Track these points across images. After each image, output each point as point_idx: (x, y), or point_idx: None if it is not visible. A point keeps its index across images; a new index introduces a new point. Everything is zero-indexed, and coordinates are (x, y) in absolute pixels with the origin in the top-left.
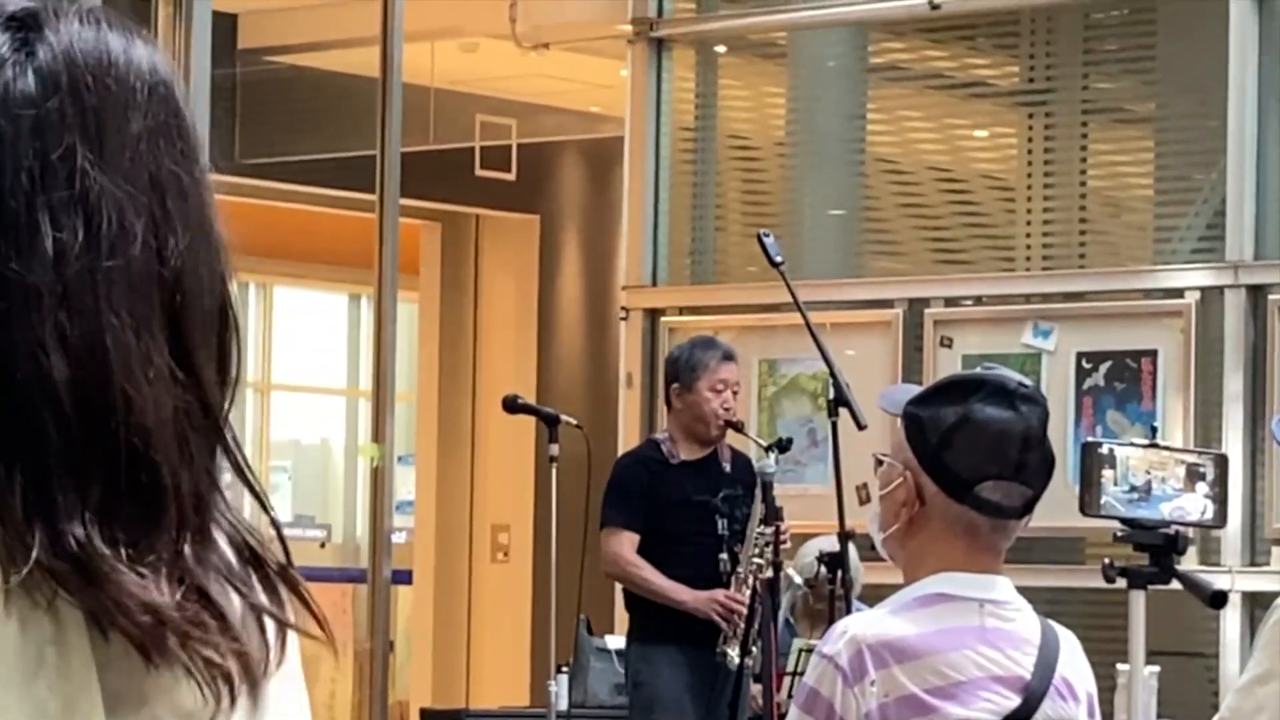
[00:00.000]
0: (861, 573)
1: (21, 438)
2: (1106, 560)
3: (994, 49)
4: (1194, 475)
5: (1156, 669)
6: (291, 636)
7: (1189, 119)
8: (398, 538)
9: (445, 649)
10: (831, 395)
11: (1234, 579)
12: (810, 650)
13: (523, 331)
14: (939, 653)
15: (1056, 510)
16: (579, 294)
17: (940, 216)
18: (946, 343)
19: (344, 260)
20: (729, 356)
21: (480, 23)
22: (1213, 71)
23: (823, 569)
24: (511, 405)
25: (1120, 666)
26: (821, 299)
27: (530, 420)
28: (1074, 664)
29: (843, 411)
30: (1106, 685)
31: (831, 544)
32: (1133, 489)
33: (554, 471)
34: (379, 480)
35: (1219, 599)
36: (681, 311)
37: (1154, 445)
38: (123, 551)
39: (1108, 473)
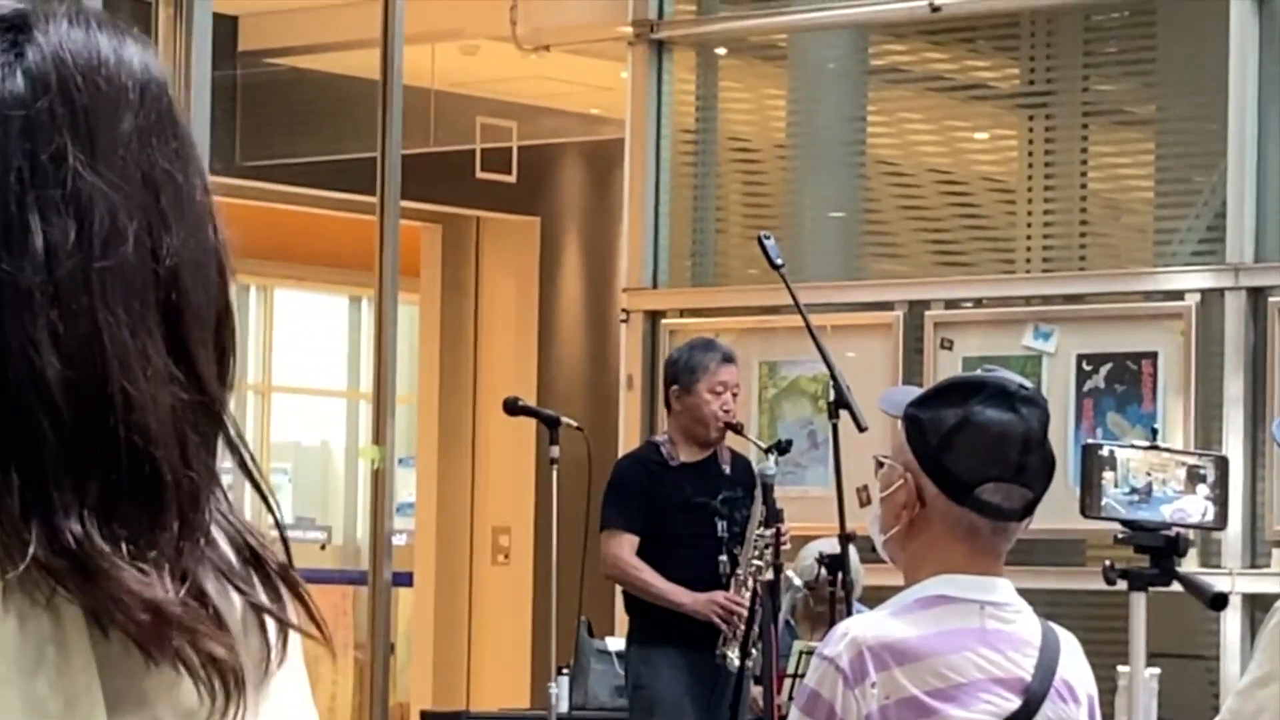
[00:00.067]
0: (862, 575)
1: (17, 437)
2: (1107, 562)
3: (994, 51)
4: (1194, 477)
5: (1157, 671)
6: (293, 636)
7: (1189, 121)
8: (398, 540)
9: (446, 651)
10: (832, 397)
11: (1234, 581)
12: (811, 652)
13: (523, 334)
14: (939, 655)
15: (1057, 512)
16: (579, 296)
17: (940, 218)
18: (947, 345)
19: (345, 262)
20: (728, 359)
21: (481, 25)
22: (1213, 73)
23: (823, 571)
24: (512, 407)
25: (1121, 668)
26: (822, 301)
27: (531, 422)
28: (1074, 666)
29: (843, 413)
30: (1107, 687)
31: (832, 546)
32: (1133, 491)
33: (554, 473)
34: (379, 482)
35: (1219, 601)
36: (682, 314)
37: (1154, 447)
38: (123, 548)
39: (1108, 475)
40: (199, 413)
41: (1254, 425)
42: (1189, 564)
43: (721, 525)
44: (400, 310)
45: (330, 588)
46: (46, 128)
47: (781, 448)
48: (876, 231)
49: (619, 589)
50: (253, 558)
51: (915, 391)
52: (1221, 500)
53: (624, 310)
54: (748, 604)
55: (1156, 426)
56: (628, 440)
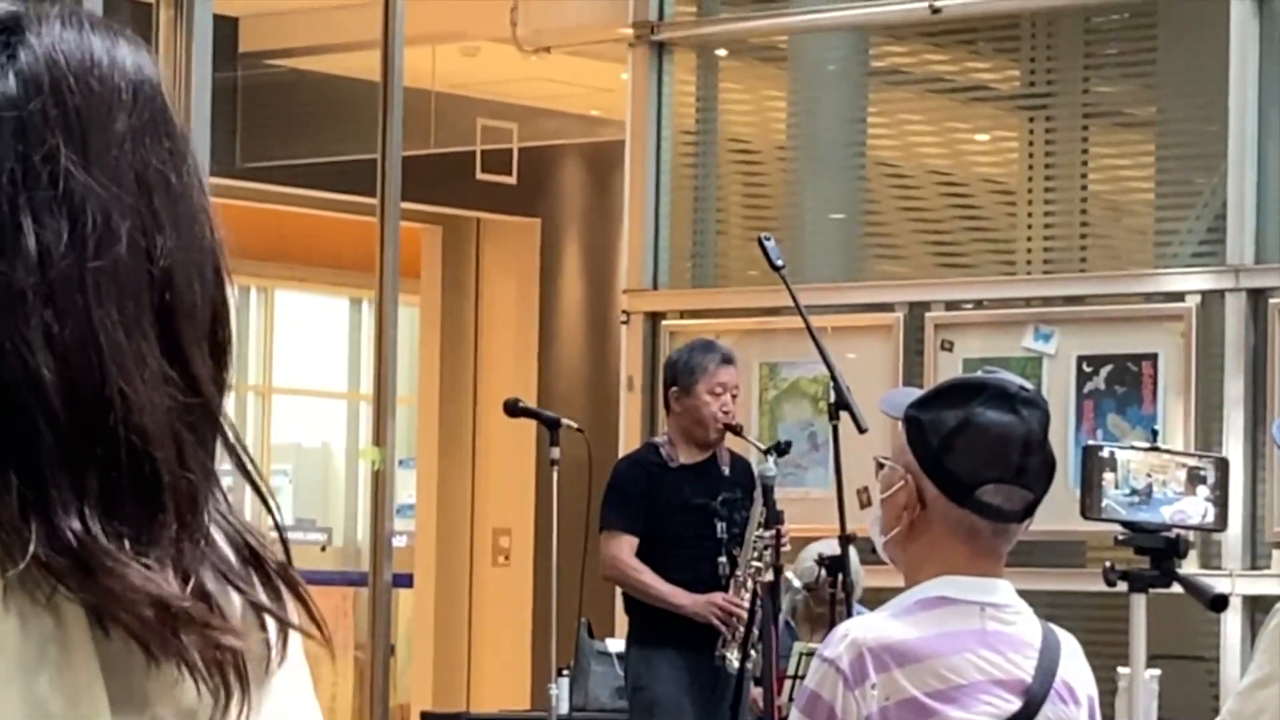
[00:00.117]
0: (862, 576)
1: (14, 437)
2: (1107, 564)
3: (995, 53)
4: (1195, 479)
5: (1157, 672)
6: (294, 635)
7: (1190, 122)
8: (399, 541)
9: (446, 652)
10: (832, 399)
11: (1235, 582)
12: (811, 654)
13: (524, 335)
14: (940, 656)
15: (1057, 514)
16: (580, 297)
17: (941, 220)
18: (947, 346)
19: (345, 264)
20: (728, 360)
21: (481, 26)
22: (1213, 75)
23: (823, 572)
24: (512, 409)
25: (1121, 670)
26: (822, 302)
27: (531, 424)
28: (1075, 667)
29: (843, 415)
30: (1107, 689)
31: (832, 548)
32: (1133, 492)
33: (555, 475)
34: (380, 484)
35: (1220, 602)
36: (682, 315)
37: (1155, 449)
38: (126, 545)
39: (1108, 476)
40: (195, 413)
41: (1254, 427)
42: (1189, 565)
43: (721, 526)
44: (401, 312)
45: (331, 589)
46: (39, 129)
47: (780, 449)
48: (877, 233)
49: (619, 590)
50: (252, 557)
51: (916, 393)
52: (1222, 502)
53: (624, 311)
54: (747, 605)
55: (1157, 428)
56: (628, 442)
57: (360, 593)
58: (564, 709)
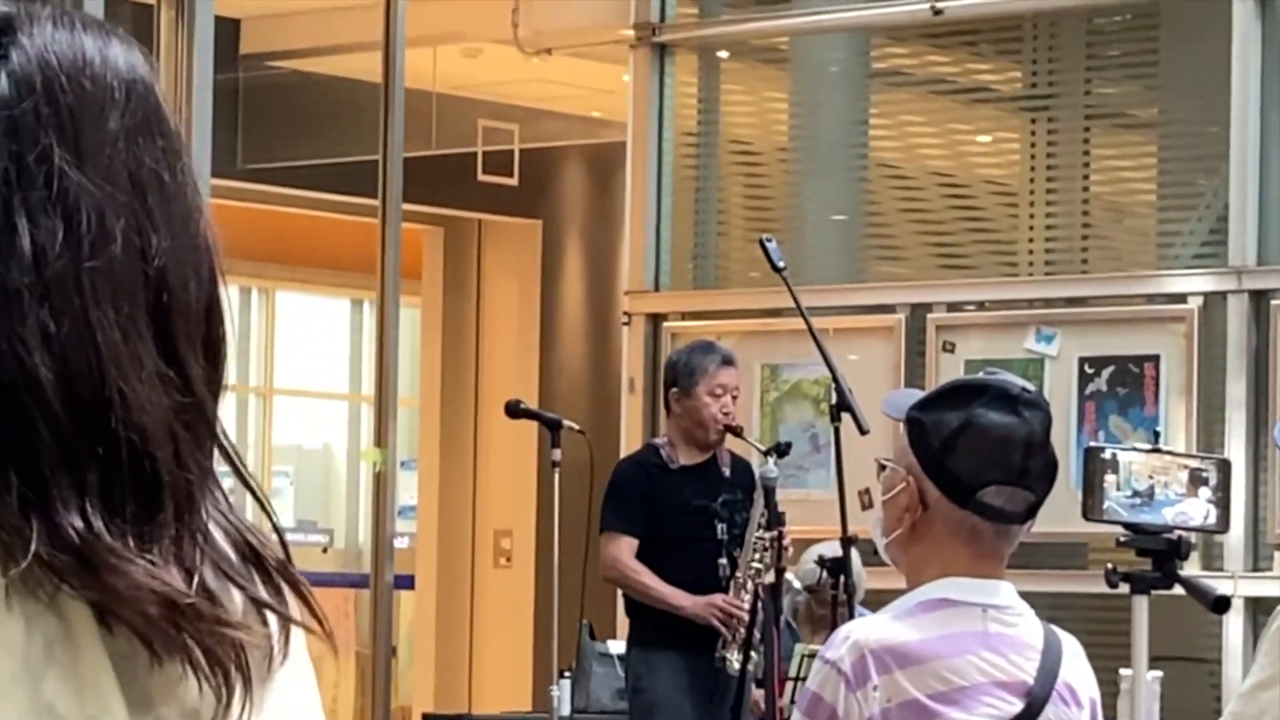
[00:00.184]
0: (864, 578)
1: (13, 436)
2: (1109, 565)
3: (996, 54)
4: (1197, 480)
5: (1159, 674)
6: (296, 632)
7: (1192, 124)
8: (400, 543)
9: (447, 654)
10: (834, 400)
11: (1237, 584)
12: (813, 655)
13: (525, 336)
14: (942, 658)
15: (1059, 515)
16: (581, 299)
17: (943, 221)
18: (949, 348)
19: (346, 265)
20: (728, 361)
21: (483, 28)
22: (1215, 76)
23: (825, 574)
24: (514, 410)
25: (1123, 672)
26: (824, 304)
27: (532, 425)
28: (1077, 669)
29: (845, 416)
30: (1109, 690)
31: (833, 549)
32: (1135, 494)
33: (556, 476)
34: (381, 485)
35: (1222, 604)
36: (684, 316)
37: (1157, 450)
38: (130, 542)
39: (1110, 478)
40: (190, 412)
41: (1256, 428)
42: (1191, 567)
43: (721, 528)
44: (402, 313)
45: (332, 591)
46: (32, 128)
47: (780, 450)
48: (878, 234)
49: (620, 592)
50: (252, 555)
51: (917, 394)
52: (1224, 503)
53: (626, 313)
54: (747, 606)
55: (1159, 429)
56: (629, 443)
57: (362, 594)
58: (565, 711)
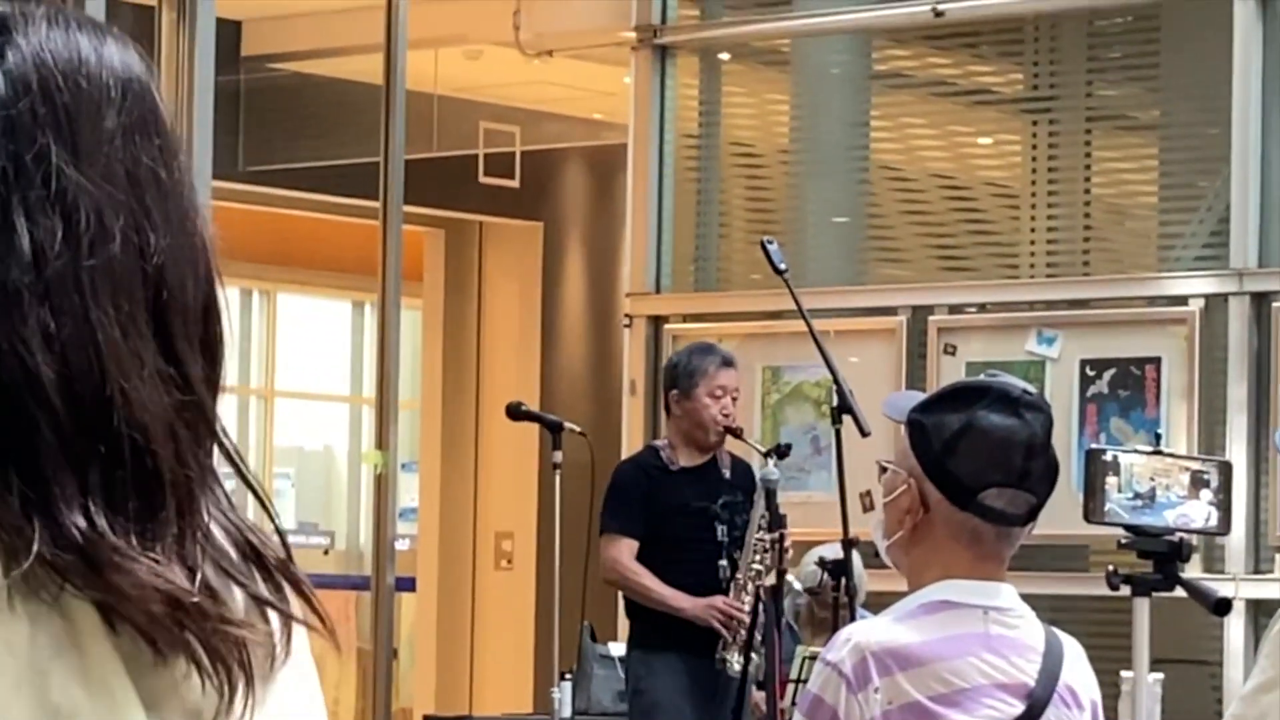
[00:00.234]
0: (865, 580)
1: (14, 436)
2: (1110, 567)
3: (998, 56)
4: (1198, 482)
5: (1161, 676)
6: (298, 631)
7: (1193, 126)
8: (401, 545)
9: (449, 656)
10: (835, 402)
11: (1238, 586)
12: (814, 657)
13: (526, 338)
14: (943, 660)
15: (1060, 517)
16: (582, 301)
17: (944, 224)
18: (950, 350)
19: (348, 267)
20: (728, 362)
21: (484, 30)
22: (1217, 78)
23: (826, 576)
24: (515, 412)
25: (1124, 674)
26: (825, 306)
27: (534, 427)
28: (1078, 671)
29: (846, 419)
30: (1111, 693)
31: (834, 551)
32: (1137, 496)
33: (557, 478)
34: (382, 487)
35: (1223, 606)
36: (685, 319)
37: (1158, 452)
38: (133, 541)
39: (1112, 480)
40: (190, 410)
41: (1257, 430)
42: (1192, 569)
43: (721, 530)
44: (403, 315)
45: (333, 593)
46: (28, 128)
47: (780, 451)
48: (880, 236)
49: (621, 593)
50: (252, 553)
51: (919, 396)
52: (1225, 505)
53: (627, 315)
54: (747, 608)
55: (1160, 432)
56: (631, 445)
57: (363, 596)
58: (566, 713)
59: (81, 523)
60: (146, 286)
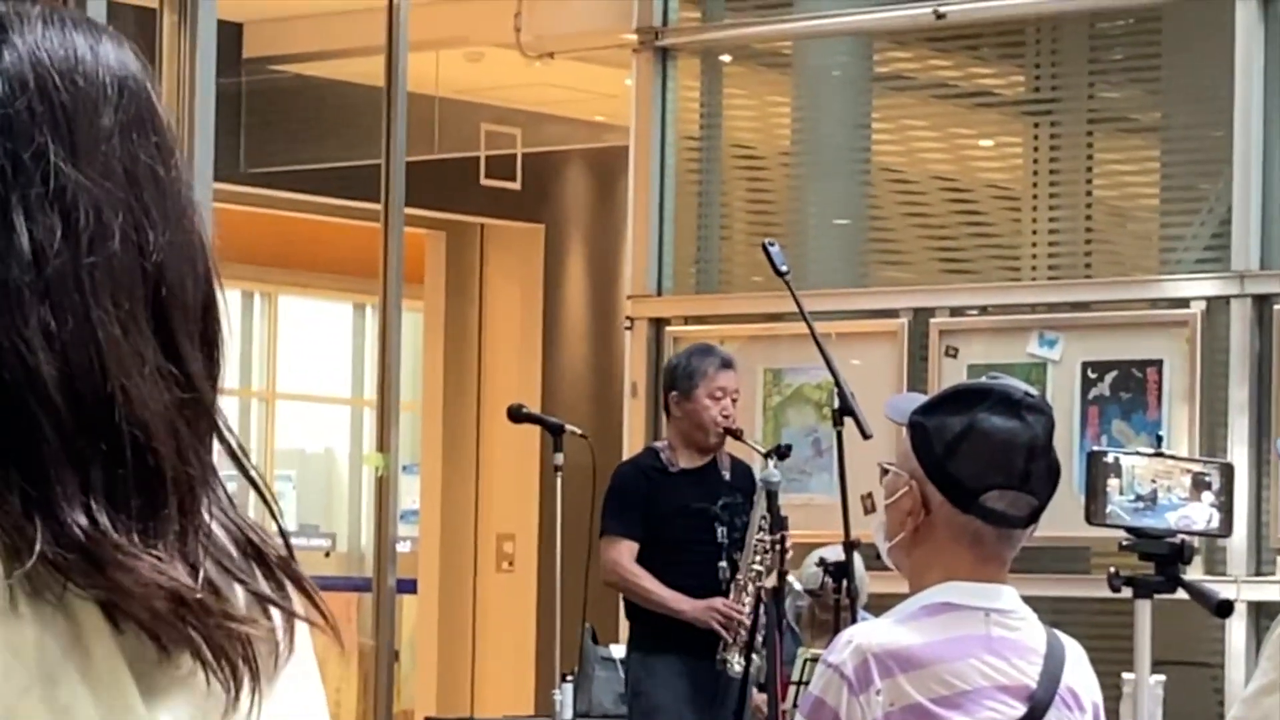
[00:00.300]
0: (867, 582)
1: (15, 435)
2: (1112, 569)
3: (999, 58)
4: (1200, 484)
5: (1162, 678)
6: (301, 629)
7: (1194, 128)
8: (402, 547)
9: (450, 658)
10: (836, 405)
11: (1239, 588)
12: (815, 659)
13: (528, 340)
14: (944, 662)
15: (1062, 519)
16: (584, 303)
17: (945, 226)
18: (952, 352)
19: (349, 269)
20: (727, 364)
21: (485, 32)
22: (1218, 81)
23: (828, 578)
24: (516, 414)
25: (1126, 676)
26: (826, 308)
27: (535, 429)
28: (1079, 673)
29: (848, 421)
30: (1112, 695)
31: (836, 553)
32: (1138, 498)
33: (559, 481)
34: (384, 489)
35: (1225, 608)
36: (686, 321)
37: (1159, 454)
38: (135, 538)
39: (1113, 482)
40: (191, 407)
41: (1259, 433)
42: (1194, 571)
43: (721, 531)
44: (404, 317)
45: (335, 595)
46: (26, 126)
47: (781, 452)
48: (881, 239)
49: (623, 595)
50: (253, 551)
51: (920, 399)
52: (1226, 507)
53: (628, 317)
54: (748, 610)
55: (1161, 434)
56: (632, 447)
57: (364, 598)
58: (567, 714)
59: (83, 521)
60: (146, 284)
